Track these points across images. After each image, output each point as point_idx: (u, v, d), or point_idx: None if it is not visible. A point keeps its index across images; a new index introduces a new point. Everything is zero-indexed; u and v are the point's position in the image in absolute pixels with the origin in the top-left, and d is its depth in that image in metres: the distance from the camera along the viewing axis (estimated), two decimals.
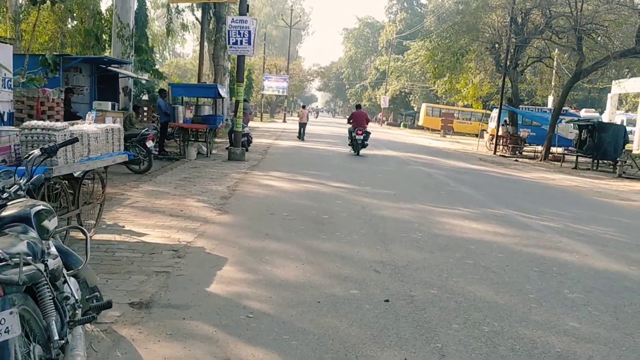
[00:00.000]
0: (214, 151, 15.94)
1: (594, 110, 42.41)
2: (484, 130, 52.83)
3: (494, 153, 26.29)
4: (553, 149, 25.15)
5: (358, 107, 20.73)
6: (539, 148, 27.56)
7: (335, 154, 18.50)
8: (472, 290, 4.72)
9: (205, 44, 32.89)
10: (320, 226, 6.93)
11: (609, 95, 37.54)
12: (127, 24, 15.30)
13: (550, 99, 40.17)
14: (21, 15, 22.74)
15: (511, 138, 27.75)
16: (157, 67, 33.63)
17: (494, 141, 28.13)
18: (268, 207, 8.05)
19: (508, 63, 26.43)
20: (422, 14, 69.76)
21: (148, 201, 7.97)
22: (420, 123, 56.14)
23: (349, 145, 18.57)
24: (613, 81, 35.94)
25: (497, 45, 28.36)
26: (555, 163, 23.30)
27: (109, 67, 13.94)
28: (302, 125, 24.89)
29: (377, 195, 9.78)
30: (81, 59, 13.28)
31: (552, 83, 36.03)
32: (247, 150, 17.10)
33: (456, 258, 5.76)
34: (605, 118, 36.28)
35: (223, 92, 15.07)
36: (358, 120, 18.28)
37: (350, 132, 18.47)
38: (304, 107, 27.35)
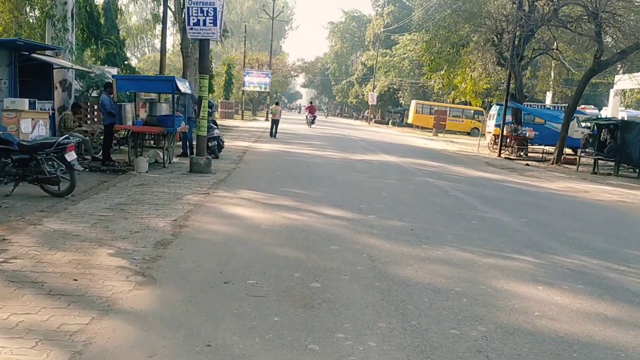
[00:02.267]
0: (174, 159, 12.92)
1: (592, 106, 40.03)
2: (475, 128, 50.76)
3: (499, 155, 23.59)
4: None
5: (311, 103, 40.93)
6: (548, 149, 24.99)
7: (326, 161, 15.58)
8: None
9: (178, 34, 29.80)
10: (309, 313, 4.00)
11: (612, 90, 35.06)
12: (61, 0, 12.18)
13: (549, 95, 37.69)
14: None
15: (516, 138, 25.08)
16: (129, 61, 30.36)
17: (497, 142, 25.47)
18: (225, 264, 5.09)
19: (513, 55, 23.70)
20: (410, 7, 67.08)
21: (34, 255, 4.99)
22: (409, 121, 53.58)
23: (306, 122, 36.42)
24: (616, 76, 33.62)
25: (499, 36, 25.65)
26: (569, 167, 20.68)
27: (33, 55, 10.82)
28: (275, 122, 24.47)
29: (387, 231, 6.88)
30: None
31: (552, 77, 33.58)
32: (217, 157, 14.14)
33: None
34: (607, 115, 33.81)
35: (184, 86, 12.04)
36: (311, 110, 36.77)
37: (306, 116, 36.90)
38: (276, 103, 27.26)
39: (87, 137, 12.46)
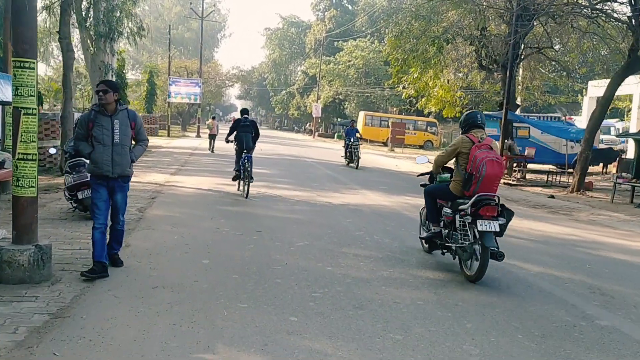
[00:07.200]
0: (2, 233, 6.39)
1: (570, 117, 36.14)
2: (428, 141, 46.24)
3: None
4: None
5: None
6: (548, 168, 20.14)
7: (288, 215, 9.44)
8: None
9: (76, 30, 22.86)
10: None
11: (586, 98, 31.12)
12: None
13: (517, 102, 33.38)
14: None
15: (510, 157, 19.98)
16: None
17: None
18: None
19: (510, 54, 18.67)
20: (354, 11, 62.37)
21: None
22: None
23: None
24: (589, 82, 29.86)
25: (483, 33, 20.55)
26: (594, 195, 15.75)
27: None
28: (212, 137, 24.29)
29: None
30: None
31: (522, 82, 29.17)
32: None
33: None
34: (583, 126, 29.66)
35: None
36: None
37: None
38: (213, 118, 27.19)
39: None
